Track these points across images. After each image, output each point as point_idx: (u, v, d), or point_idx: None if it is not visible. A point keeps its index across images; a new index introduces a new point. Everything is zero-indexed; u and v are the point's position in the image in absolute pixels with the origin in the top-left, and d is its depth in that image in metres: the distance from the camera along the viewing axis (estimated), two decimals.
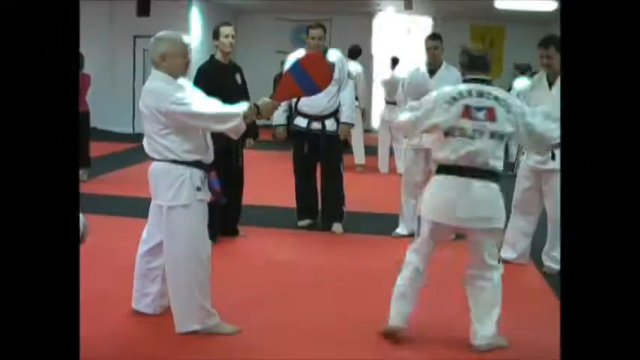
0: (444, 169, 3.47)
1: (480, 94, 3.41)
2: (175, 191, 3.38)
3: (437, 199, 3.48)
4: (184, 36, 3.52)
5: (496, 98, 3.41)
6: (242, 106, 3.42)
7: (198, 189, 3.42)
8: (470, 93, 3.42)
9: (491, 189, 3.41)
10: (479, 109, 3.39)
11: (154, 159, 3.46)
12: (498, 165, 3.43)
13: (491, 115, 3.38)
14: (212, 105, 3.43)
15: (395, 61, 9.64)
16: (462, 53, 3.57)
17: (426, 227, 3.51)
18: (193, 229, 3.44)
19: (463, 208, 3.37)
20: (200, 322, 3.48)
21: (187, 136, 3.39)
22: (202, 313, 3.48)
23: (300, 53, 5.78)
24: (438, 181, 3.50)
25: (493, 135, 3.37)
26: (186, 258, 3.43)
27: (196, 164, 3.44)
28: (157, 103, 3.32)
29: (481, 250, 3.45)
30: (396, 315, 3.51)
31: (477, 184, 3.38)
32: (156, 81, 3.42)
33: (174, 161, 3.38)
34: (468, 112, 3.38)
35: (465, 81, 3.53)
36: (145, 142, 3.50)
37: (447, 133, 3.41)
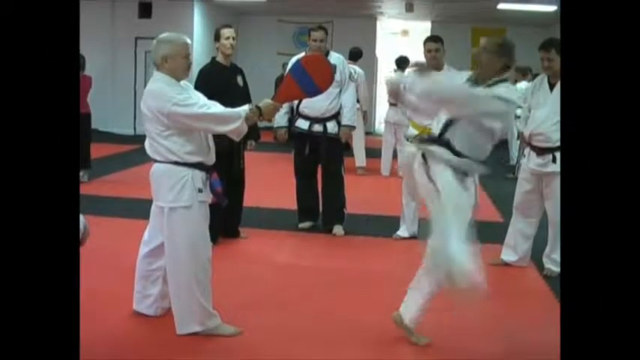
0: None
1: None
2: (177, 193, 3.39)
3: None
4: (186, 38, 3.53)
5: None
6: (243, 108, 3.44)
7: (200, 190, 3.43)
8: None
9: None
10: None
11: (155, 160, 3.47)
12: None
13: None
14: (213, 107, 3.44)
15: (402, 62, 9.56)
16: None
17: None
18: (194, 231, 3.44)
19: None
20: (201, 323, 3.48)
21: (189, 137, 3.39)
22: (203, 315, 3.48)
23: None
24: None
25: None
26: (187, 259, 3.43)
27: (198, 166, 3.44)
28: (158, 105, 3.33)
29: None
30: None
31: None
32: (157, 82, 3.42)
33: (176, 163, 3.39)
34: None
35: None
36: (146, 143, 3.51)
37: None
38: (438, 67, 5.52)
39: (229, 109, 3.45)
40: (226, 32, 5.24)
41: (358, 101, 7.84)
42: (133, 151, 10.04)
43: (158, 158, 3.44)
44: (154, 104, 3.35)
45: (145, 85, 3.57)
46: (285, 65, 9.04)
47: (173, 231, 3.43)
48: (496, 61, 3.42)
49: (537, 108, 4.72)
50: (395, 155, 9.21)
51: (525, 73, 9.92)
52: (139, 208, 4.92)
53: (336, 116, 5.77)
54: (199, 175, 3.44)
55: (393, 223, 5.91)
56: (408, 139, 5.77)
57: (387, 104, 9.39)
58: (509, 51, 3.47)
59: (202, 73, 5.26)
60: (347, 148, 7.23)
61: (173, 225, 3.43)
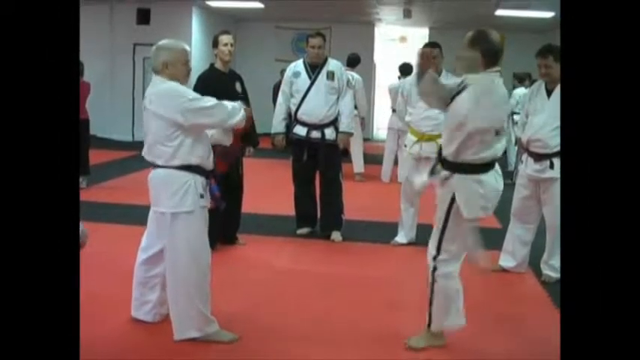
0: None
1: None
2: (180, 198, 3.38)
3: None
4: (185, 44, 3.54)
5: None
6: (235, 103, 3.60)
7: (201, 196, 3.43)
8: None
9: None
10: None
11: (156, 165, 3.46)
12: None
13: None
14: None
15: (405, 69, 9.54)
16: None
17: None
18: (195, 236, 3.44)
19: None
20: (199, 329, 3.47)
21: (196, 140, 3.41)
22: (201, 320, 3.47)
23: (298, 65, 5.81)
24: None
25: None
26: (187, 265, 3.42)
27: (199, 171, 3.44)
28: (175, 103, 3.33)
29: None
30: None
31: None
32: (165, 84, 3.42)
33: (178, 167, 3.38)
34: None
35: None
36: (146, 149, 3.50)
37: None
38: (437, 73, 5.52)
39: (229, 103, 3.57)
40: (224, 39, 5.25)
41: (356, 107, 7.85)
42: (131, 157, 10.03)
43: (160, 163, 3.42)
44: (169, 102, 3.34)
45: (144, 92, 3.57)
46: (283, 72, 9.06)
47: (175, 236, 3.43)
48: (475, 54, 3.27)
49: (535, 114, 4.73)
50: (396, 162, 9.23)
51: (523, 79, 9.95)
52: (137, 214, 4.92)
53: (334, 122, 5.78)
54: (200, 181, 3.44)
55: (391, 229, 5.91)
56: (405, 146, 5.80)
57: (390, 110, 9.37)
58: (483, 39, 3.29)
59: (201, 79, 5.27)
60: (345, 155, 7.24)
61: (175, 230, 3.42)
